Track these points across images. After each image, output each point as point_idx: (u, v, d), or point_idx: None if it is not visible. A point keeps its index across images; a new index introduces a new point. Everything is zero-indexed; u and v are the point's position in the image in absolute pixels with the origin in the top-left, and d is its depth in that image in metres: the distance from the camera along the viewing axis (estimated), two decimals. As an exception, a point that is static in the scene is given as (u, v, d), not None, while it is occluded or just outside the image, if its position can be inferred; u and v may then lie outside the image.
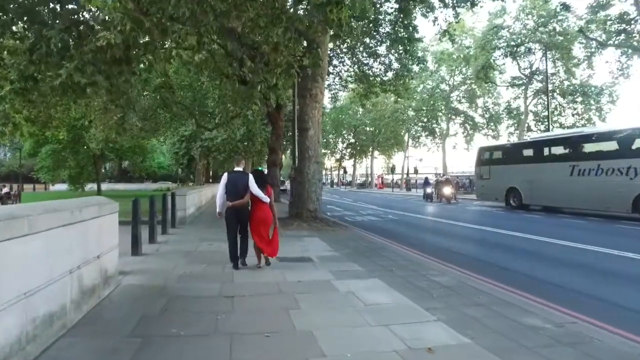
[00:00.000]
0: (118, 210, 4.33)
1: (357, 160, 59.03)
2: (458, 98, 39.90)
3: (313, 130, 10.91)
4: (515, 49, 28.38)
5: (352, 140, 54.07)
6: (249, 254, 5.69)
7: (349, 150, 55.85)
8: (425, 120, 43.56)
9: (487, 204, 19.38)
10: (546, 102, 31.92)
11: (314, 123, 10.94)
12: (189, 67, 18.95)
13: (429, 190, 21.98)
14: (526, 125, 30.97)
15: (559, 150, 14.10)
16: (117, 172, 60.73)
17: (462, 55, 35.59)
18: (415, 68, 21.27)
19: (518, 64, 29.63)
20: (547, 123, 32.77)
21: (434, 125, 43.49)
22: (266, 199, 5.39)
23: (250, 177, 5.33)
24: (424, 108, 41.42)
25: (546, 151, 14.72)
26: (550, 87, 29.62)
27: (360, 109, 51.04)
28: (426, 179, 23.16)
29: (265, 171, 22.65)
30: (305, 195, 10.74)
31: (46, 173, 24.57)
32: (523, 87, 31.90)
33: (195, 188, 13.48)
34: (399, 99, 44.05)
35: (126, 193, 30.57)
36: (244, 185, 5.28)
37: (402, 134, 48.22)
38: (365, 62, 19.91)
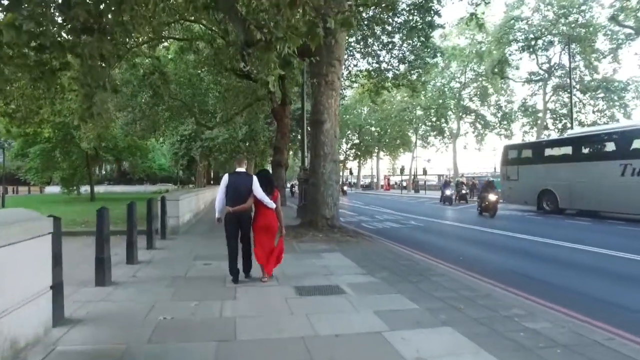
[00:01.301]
0: (51, 230, 2.69)
1: (361, 162, 57.40)
2: (469, 96, 38.20)
3: (329, 123, 9.27)
4: (534, 42, 26.65)
5: (357, 141, 52.38)
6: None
7: (353, 151, 54.17)
8: (434, 119, 41.93)
9: (512, 207, 17.66)
10: (565, 99, 30.28)
11: (331, 114, 9.30)
12: (187, 55, 17.61)
13: (448, 192, 20.12)
14: (544, 123, 29.22)
15: (606, 146, 12.41)
16: (117, 174, 59.39)
17: (474, 51, 33.91)
18: (431, 60, 19.66)
19: (537, 57, 27.92)
20: (565, 121, 31.19)
21: (443, 125, 41.85)
22: (272, 205, 4.74)
23: (255, 179, 4.71)
24: (433, 107, 39.78)
25: (589, 148, 13.05)
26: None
27: (365, 109, 49.63)
28: (445, 180, 21.28)
29: (270, 172, 21.04)
30: (320, 199, 9.09)
31: (34, 175, 22.97)
32: (540, 84, 30.21)
33: (192, 191, 11.89)
34: (406, 97, 42.88)
35: (122, 196, 29.04)
36: (247, 188, 4.66)
37: (409, 134, 46.61)
38: (378, 53, 18.29)
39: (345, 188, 34.96)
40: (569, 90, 29.10)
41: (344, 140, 53.82)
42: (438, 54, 19.56)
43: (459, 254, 7.42)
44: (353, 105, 47.28)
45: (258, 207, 4.76)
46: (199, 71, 18.28)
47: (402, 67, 19.56)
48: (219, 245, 7.65)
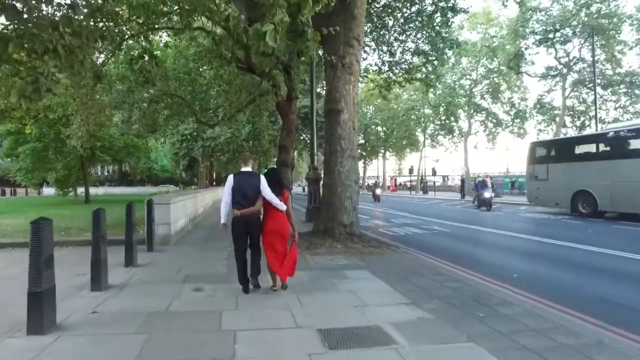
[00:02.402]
0: None
1: (367, 162, 55.97)
2: (481, 93, 36.68)
3: (347, 113, 7.89)
4: (554, 34, 25.10)
5: (362, 141, 50.92)
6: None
7: (358, 151, 52.60)
8: (443, 117, 40.47)
9: (539, 209, 16.19)
10: (584, 95, 28.76)
11: (348, 103, 7.93)
12: (187, 50, 16.62)
13: (487, 194, 17.04)
14: (563, 120, 27.65)
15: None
16: (118, 175, 58.50)
17: (487, 45, 32.43)
18: (449, 51, 18.25)
19: (555, 51, 26.35)
20: (583, 119, 29.64)
21: (453, 124, 40.36)
22: (282, 207, 4.34)
23: (262, 178, 4.34)
24: (443, 104, 38.29)
25: (634, 144, 11.59)
26: (591, 77, 26.43)
27: (371, 108, 48.40)
28: (483, 180, 18.83)
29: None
30: (336, 202, 7.70)
31: (24, 175, 21.71)
32: (558, 79, 28.65)
33: (188, 192, 10.56)
34: (414, 95, 41.47)
35: (119, 197, 27.84)
36: (254, 189, 4.27)
37: (416, 133, 45.22)
38: (392, 43, 16.92)
39: (378, 192, 25.88)
40: (589, 86, 27.64)
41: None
42: (454, 45, 18.13)
43: (509, 270, 6.02)
44: (358, 104, 45.84)
45: (267, 210, 4.36)
46: (200, 67, 17.15)
47: (415, 60, 18.35)
48: (216, 259, 6.32)
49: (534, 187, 15.20)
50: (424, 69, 18.82)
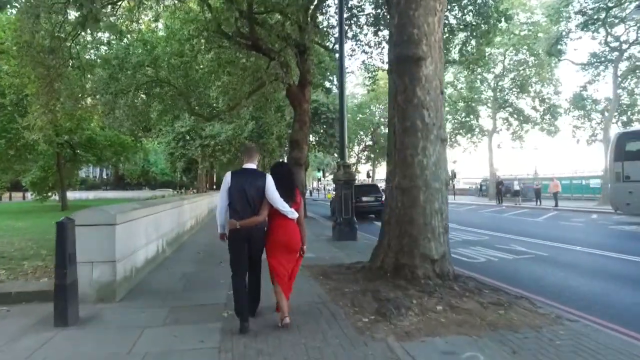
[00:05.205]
0: None
1: (375, 164, 52.48)
2: (508, 87, 33.35)
3: (432, 64, 4.51)
4: (606, 12, 21.68)
5: (370, 142, 47.50)
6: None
7: (365, 153, 49.17)
8: (463, 114, 37.09)
9: (624, 219, 12.70)
10: (632, 85, 25.34)
11: (433, 47, 4.54)
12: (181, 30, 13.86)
13: None
14: (614, 114, 24.11)
15: None
16: (114, 178, 55.49)
17: (517, 32, 29.12)
18: (499, 24, 14.94)
19: (607, 32, 22.85)
20: (629, 113, 26.17)
21: (473, 122, 36.93)
22: (294, 215, 3.31)
23: (269, 179, 3.23)
24: (465, 100, 34.96)
25: None
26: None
27: (382, 107, 45.21)
28: None
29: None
30: (418, 220, 4.29)
31: (-16, 177, 18.57)
32: (603, 67, 25.24)
33: (168, 201, 7.23)
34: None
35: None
36: (259, 191, 3.19)
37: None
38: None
39: None
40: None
41: (355, 142, 48.62)
42: (504, 18, 14.77)
43: None
44: (367, 102, 43.06)
45: (274, 217, 3.29)
46: (195, 47, 14.18)
47: (453, 38, 15.31)
48: (198, 355, 2.87)
49: (624, 190, 11.73)
50: (464, 49, 15.68)
